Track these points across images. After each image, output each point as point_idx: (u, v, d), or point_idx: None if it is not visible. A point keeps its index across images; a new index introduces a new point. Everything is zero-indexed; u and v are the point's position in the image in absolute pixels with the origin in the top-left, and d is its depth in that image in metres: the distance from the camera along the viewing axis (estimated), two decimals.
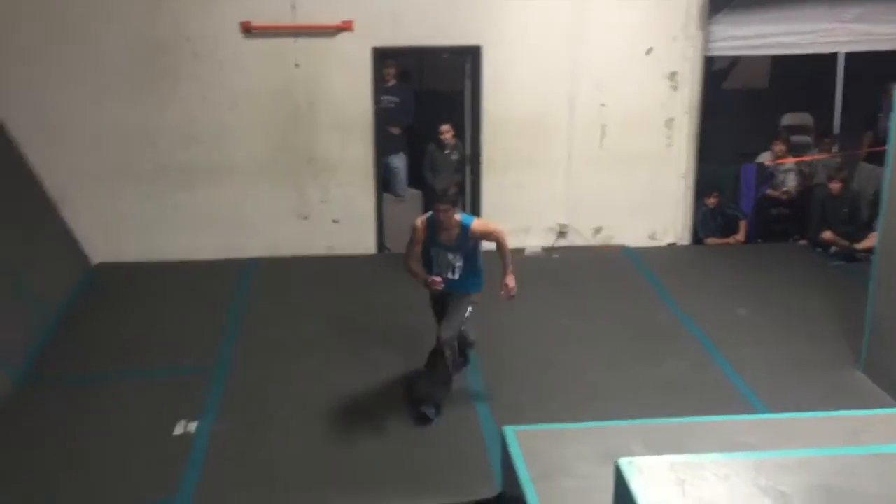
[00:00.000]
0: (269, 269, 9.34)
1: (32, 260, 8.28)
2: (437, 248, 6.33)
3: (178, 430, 6.26)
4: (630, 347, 7.56)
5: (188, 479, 5.72)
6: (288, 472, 5.81)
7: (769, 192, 10.18)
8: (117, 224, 9.37)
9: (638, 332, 7.87)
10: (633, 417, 6.05)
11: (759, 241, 10.20)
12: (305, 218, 9.70)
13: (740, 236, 10.06)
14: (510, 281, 6.36)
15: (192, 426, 6.30)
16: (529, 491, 3.58)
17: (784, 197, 10.16)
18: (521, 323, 8.00)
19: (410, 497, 5.30)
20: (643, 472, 2.33)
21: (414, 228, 6.35)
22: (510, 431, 4.06)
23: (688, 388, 6.82)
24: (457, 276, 6.35)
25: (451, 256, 6.31)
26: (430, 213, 6.33)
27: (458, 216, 6.28)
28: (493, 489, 5.11)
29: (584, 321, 8.07)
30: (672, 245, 10.10)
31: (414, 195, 10.63)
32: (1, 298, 7.50)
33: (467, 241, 6.28)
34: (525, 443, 3.96)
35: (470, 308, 6.50)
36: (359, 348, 7.54)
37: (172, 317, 8.17)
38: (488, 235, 6.37)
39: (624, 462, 2.36)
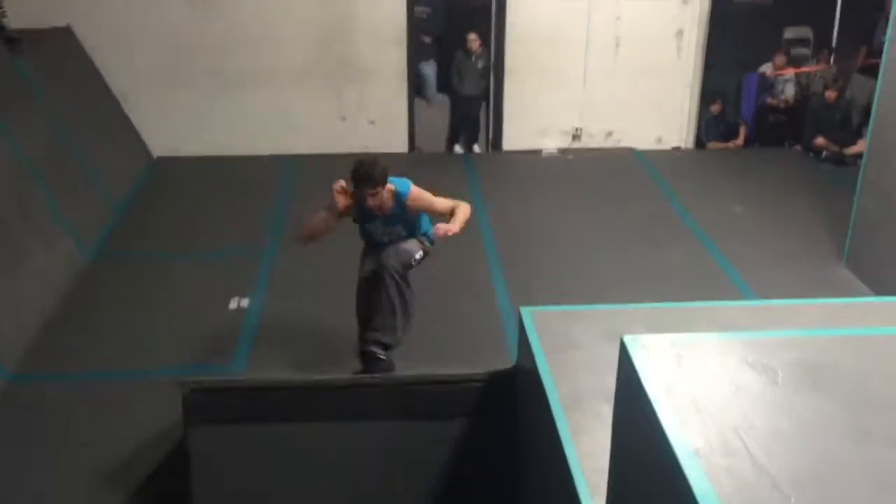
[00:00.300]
0: (310, 166, 9.30)
1: (102, 153, 8.30)
2: (371, 223, 5.08)
3: (233, 304, 6.37)
4: (634, 239, 7.53)
5: (242, 349, 5.85)
6: (329, 340, 5.91)
7: (769, 100, 9.91)
8: (175, 121, 9.34)
9: (642, 225, 7.82)
10: (634, 300, 6.06)
11: (757, 145, 10.00)
12: (343, 119, 9.62)
13: (740, 141, 9.89)
14: (452, 226, 4.88)
15: (245, 302, 6.41)
16: (541, 363, 3.62)
17: (782, 105, 9.88)
18: (536, 216, 7.98)
19: (434, 366, 5.39)
20: (645, 347, 2.34)
21: (334, 199, 4.98)
22: (526, 311, 4.08)
23: (685, 276, 6.82)
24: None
25: (389, 229, 5.07)
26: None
27: (391, 186, 4.86)
28: (507, 363, 5.19)
29: (594, 215, 8.02)
30: (677, 148, 9.93)
31: (442, 100, 10.46)
32: (75, 185, 7.57)
33: (405, 211, 4.99)
34: (539, 321, 3.98)
35: (419, 253, 5.12)
36: None
37: (225, 206, 8.21)
38: (430, 210, 5.04)
39: (628, 338, 2.37)
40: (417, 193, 4.96)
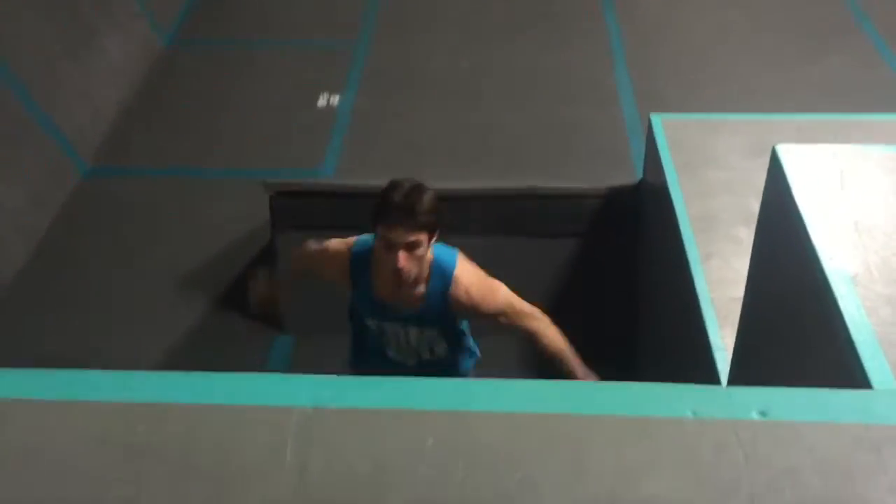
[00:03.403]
0: None
1: None
2: (379, 318, 3.07)
3: (322, 102, 6.41)
4: (794, 43, 7.09)
5: (331, 151, 5.94)
6: (428, 145, 5.93)
7: None
8: None
9: (806, 26, 7.34)
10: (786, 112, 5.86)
11: None
12: None
13: None
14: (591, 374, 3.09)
15: (335, 99, 6.44)
16: (672, 179, 3.55)
17: None
18: (678, 11, 7.58)
19: (548, 178, 5.37)
20: (802, 157, 2.24)
21: (304, 257, 3.24)
22: (657, 119, 3.96)
23: (851, 90, 6.43)
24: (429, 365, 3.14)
25: (413, 335, 3.07)
26: (358, 242, 3.02)
27: (431, 254, 2.88)
28: (632, 177, 5.12)
29: (748, 14, 7.55)
30: None
31: None
32: None
33: (449, 309, 2.96)
34: (671, 131, 3.87)
35: None
36: (502, 27, 7.35)
37: None
38: (499, 315, 3.00)
39: (782, 148, 2.26)
40: (479, 280, 2.97)
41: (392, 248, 2.70)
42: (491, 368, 3.20)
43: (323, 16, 7.60)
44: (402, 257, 2.69)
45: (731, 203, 3.49)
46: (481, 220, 4.32)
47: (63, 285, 4.93)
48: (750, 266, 2.52)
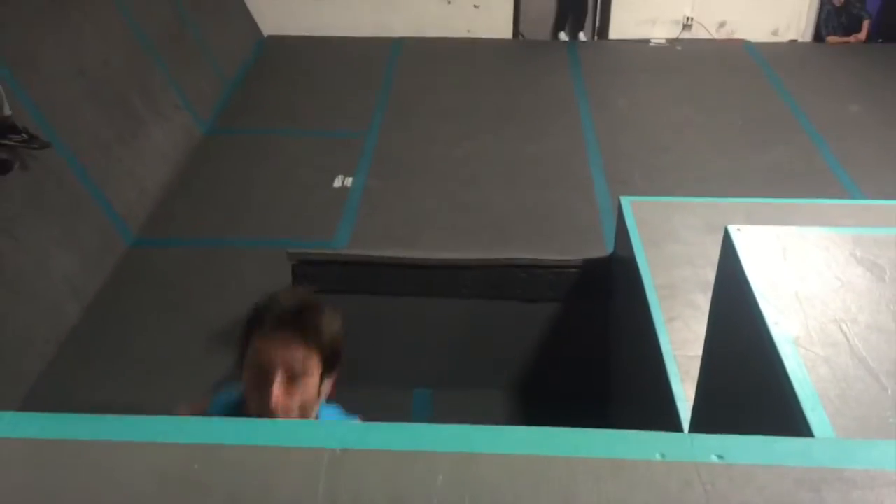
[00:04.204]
0: (414, 48, 9.23)
1: (215, 30, 8.44)
2: None
3: (337, 183, 6.51)
4: (742, 136, 7.26)
5: (345, 224, 6.01)
6: (429, 220, 6.01)
7: None
8: (285, 1, 9.36)
9: (751, 122, 7.51)
10: (737, 197, 5.96)
11: (881, 41, 9.33)
12: (449, 2, 9.43)
13: (862, 35, 9.22)
14: None
15: (349, 181, 6.54)
16: (639, 252, 3.61)
17: None
18: (641, 109, 7.75)
19: (530, 250, 5.44)
20: (749, 237, 2.30)
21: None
22: (626, 201, 4.03)
23: (793, 176, 6.57)
24: None
25: None
26: (224, 394, 1.97)
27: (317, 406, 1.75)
28: (602, 251, 5.18)
29: (701, 110, 7.73)
30: (793, 42, 9.38)
31: None
32: (191, 62, 7.75)
33: None
34: (638, 211, 3.95)
35: None
36: (492, 121, 7.51)
37: (331, 85, 8.28)
38: None
39: (732, 228, 2.32)
40: None
41: (264, 378, 1.65)
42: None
43: (339, 110, 7.75)
44: (277, 393, 1.64)
45: (690, 273, 3.54)
46: (471, 286, 4.37)
47: (110, 341, 4.93)
48: (707, 329, 2.56)
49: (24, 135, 4.96)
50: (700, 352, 2.68)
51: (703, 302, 3.35)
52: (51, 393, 4.50)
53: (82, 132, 5.78)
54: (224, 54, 8.42)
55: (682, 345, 3.13)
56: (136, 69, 6.80)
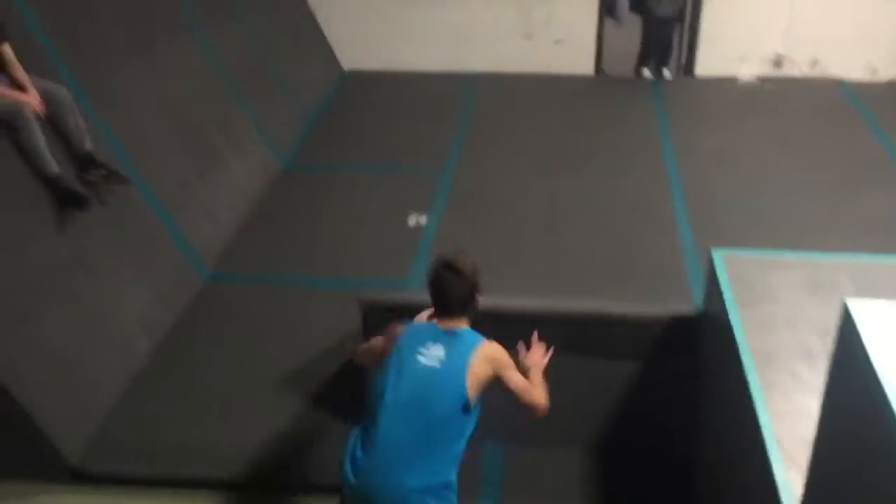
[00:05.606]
0: (492, 84, 9.10)
1: (296, 65, 8.47)
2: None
3: (412, 221, 6.37)
4: (835, 180, 6.84)
5: (418, 265, 5.86)
6: (504, 263, 5.79)
7: None
8: (365, 35, 9.37)
9: (845, 166, 7.08)
10: (830, 248, 5.56)
11: None
12: (529, 37, 9.27)
13: None
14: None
15: (424, 219, 6.40)
16: (734, 313, 3.32)
17: None
18: (729, 150, 7.41)
19: (609, 296, 5.18)
20: (872, 315, 2.01)
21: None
22: (718, 254, 3.74)
23: (892, 227, 6.12)
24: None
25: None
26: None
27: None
28: (687, 302, 4.88)
29: (792, 152, 7.34)
30: (892, 82, 8.88)
31: (633, 20, 9.86)
32: (271, 97, 7.77)
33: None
34: (731, 267, 3.66)
35: None
36: (571, 160, 7.28)
37: (408, 122, 8.19)
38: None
39: (854, 304, 2.05)
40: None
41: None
42: None
43: (415, 146, 7.66)
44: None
45: (789, 338, 3.23)
46: (549, 339, 4.12)
47: (180, 379, 4.86)
48: (821, 417, 2.27)
49: (104, 170, 4.97)
50: (802, 428, 2.40)
51: (805, 371, 3.05)
52: (119, 431, 4.44)
53: (161, 167, 5.79)
54: (305, 89, 8.44)
55: (782, 418, 2.83)
56: (217, 104, 6.83)
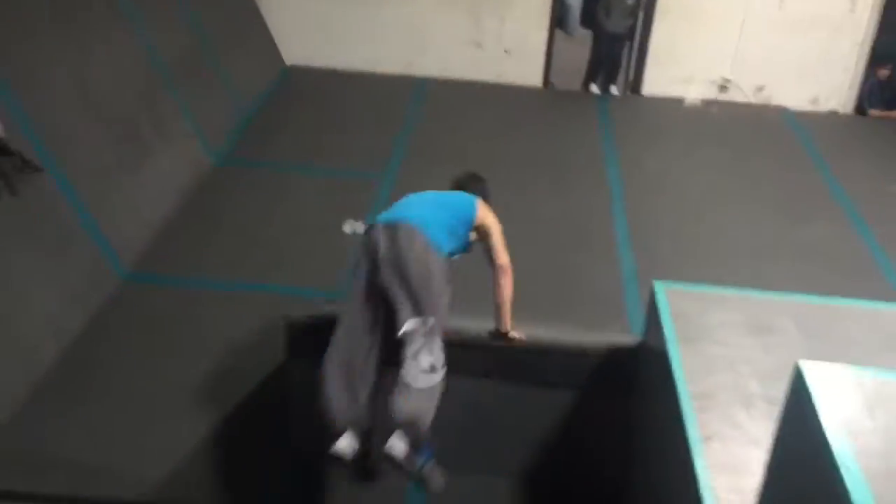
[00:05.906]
0: (440, 90, 8.90)
1: (235, 56, 8.12)
2: None
3: (347, 228, 6.12)
4: (775, 208, 6.83)
5: (349, 275, 5.61)
6: None
7: None
8: (310, 30, 9.06)
9: (785, 194, 7.09)
10: (769, 277, 5.53)
11: None
12: (479, 45, 9.10)
13: None
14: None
15: (360, 227, 6.14)
16: (675, 352, 3.18)
17: None
18: (670, 172, 7.36)
19: (547, 324, 5.03)
20: (825, 381, 1.88)
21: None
22: (660, 287, 3.61)
23: (828, 259, 6.13)
24: None
25: None
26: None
27: None
28: (625, 331, 4.77)
29: (735, 178, 7.32)
30: (833, 112, 8.98)
31: (584, 35, 9.78)
32: (206, 88, 7.42)
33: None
34: (673, 301, 3.53)
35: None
36: (515, 171, 7.11)
37: (351, 123, 7.94)
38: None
39: (806, 365, 1.91)
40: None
41: None
42: None
43: (357, 148, 7.41)
44: None
45: (730, 381, 3.11)
46: (479, 366, 3.94)
47: (86, 388, 4.53)
48: (765, 482, 2.13)
49: (18, 159, 4.62)
50: (742, 484, 2.26)
51: (745, 420, 2.94)
52: (11, 444, 4.09)
53: (82, 155, 5.42)
54: (243, 81, 8.10)
55: (720, 471, 2.69)
56: (147, 92, 6.46)
